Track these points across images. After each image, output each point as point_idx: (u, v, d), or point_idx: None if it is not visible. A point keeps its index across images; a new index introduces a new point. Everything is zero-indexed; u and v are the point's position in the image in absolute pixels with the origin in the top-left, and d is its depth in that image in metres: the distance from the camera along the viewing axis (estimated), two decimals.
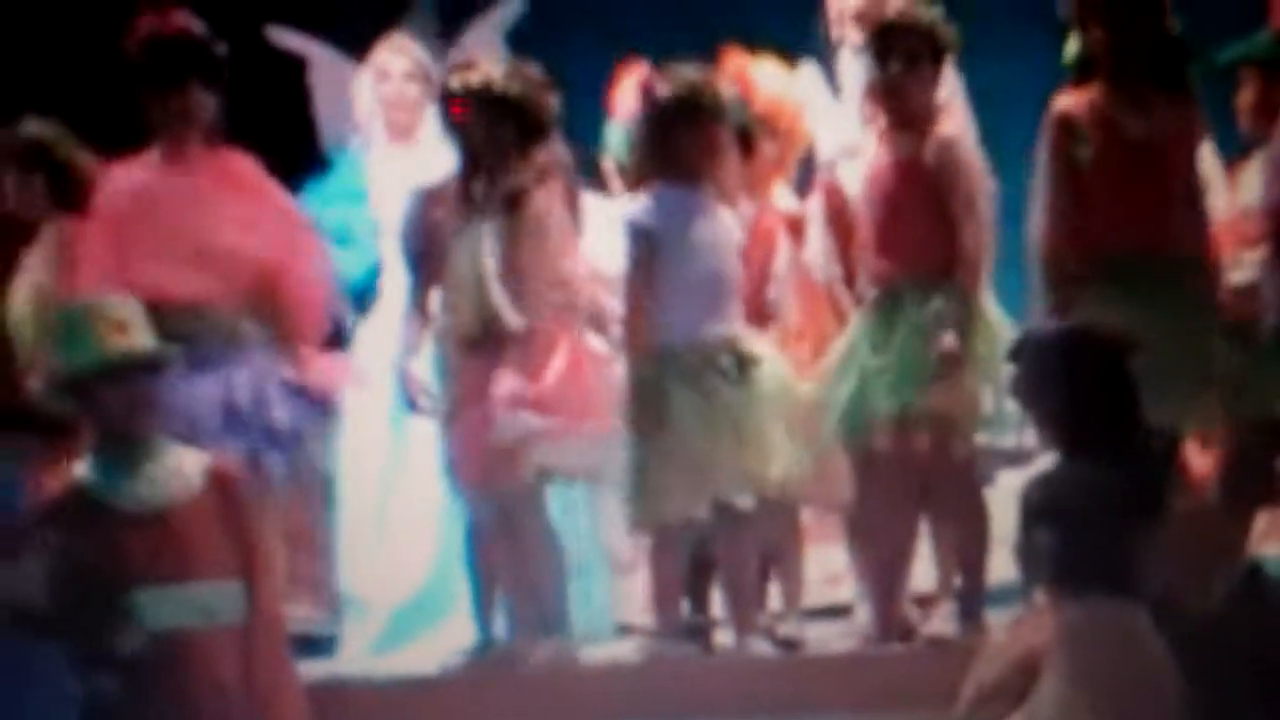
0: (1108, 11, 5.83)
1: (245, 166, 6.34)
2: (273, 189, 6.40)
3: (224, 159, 6.31)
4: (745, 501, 5.97)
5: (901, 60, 6.00)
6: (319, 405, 6.28)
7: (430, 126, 6.81)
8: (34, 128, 6.44)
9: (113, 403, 5.23)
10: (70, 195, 6.32)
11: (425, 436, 6.52)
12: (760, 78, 6.50)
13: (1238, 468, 5.90)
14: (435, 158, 6.56)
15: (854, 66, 6.49)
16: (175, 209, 6.19)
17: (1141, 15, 5.82)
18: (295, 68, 7.46)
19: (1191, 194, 5.92)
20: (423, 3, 7.50)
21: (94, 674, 5.16)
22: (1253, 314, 5.91)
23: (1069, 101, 5.91)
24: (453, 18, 7.49)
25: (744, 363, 6.00)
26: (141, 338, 5.30)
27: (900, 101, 6.07)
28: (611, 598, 6.74)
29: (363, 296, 7.02)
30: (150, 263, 6.05)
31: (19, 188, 6.40)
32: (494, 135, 6.12)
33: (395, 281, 6.84)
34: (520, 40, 7.23)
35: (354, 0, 7.81)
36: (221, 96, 6.23)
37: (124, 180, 6.26)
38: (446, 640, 6.55)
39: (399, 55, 7.06)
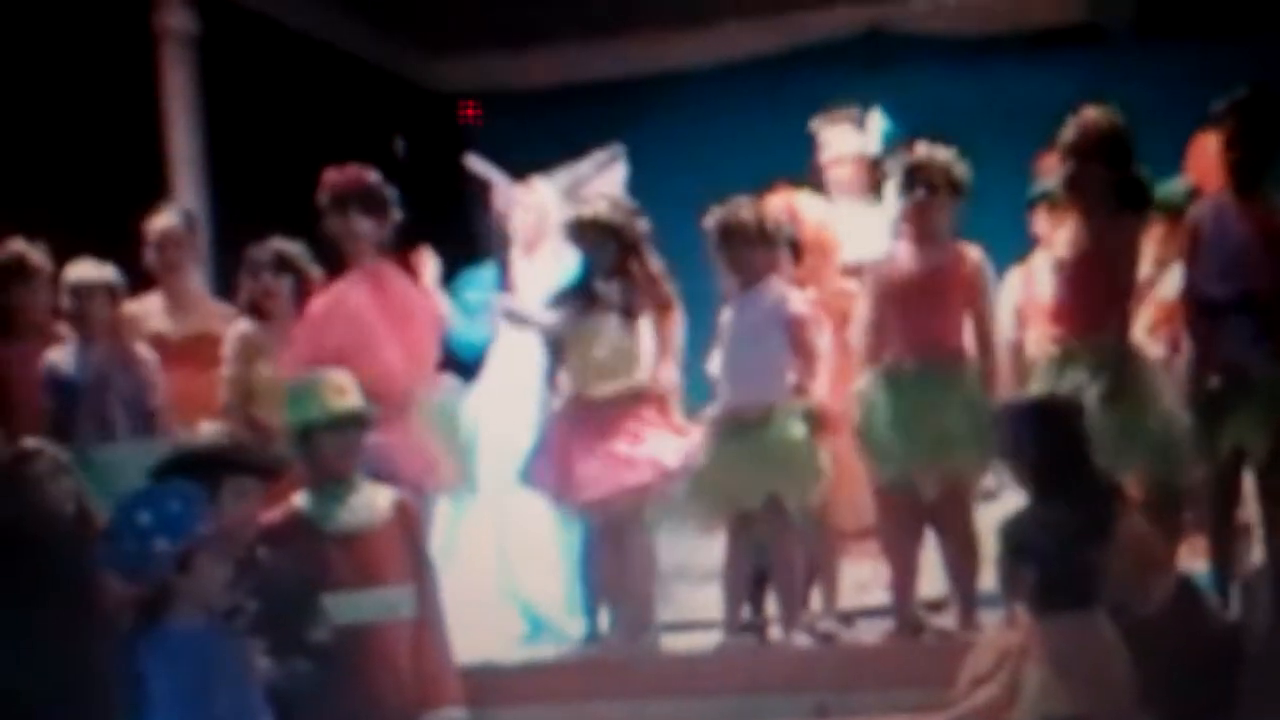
0: (1076, 153, 6.52)
1: (395, 280, 7.11)
2: (416, 291, 7.18)
3: (387, 270, 7.09)
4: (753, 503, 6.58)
5: (924, 190, 6.68)
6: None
7: (550, 246, 7.61)
8: (281, 242, 7.20)
9: (331, 448, 6.01)
10: (306, 295, 7.05)
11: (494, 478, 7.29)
12: (804, 207, 7.26)
13: (1157, 506, 6.40)
14: (550, 269, 7.40)
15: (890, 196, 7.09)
16: (341, 315, 6.93)
17: (1100, 162, 6.48)
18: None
19: (1121, 295, 6.50)
20: (598, 157, 8.13)
21: (291, 659, 5.76)
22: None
23: (1061, 235, 6.62)
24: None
25: (774, 419, 6.66)
26: (355, 399, 6.07)
27: (924, 221, 6.71)
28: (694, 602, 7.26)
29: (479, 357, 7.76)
30: (324, 352, 6.67)
31: (270, 288, 7.14)
32: (602, 251, 6.97)
33: (499, 351, 7.73)
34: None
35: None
36: (385, 228, 7.04)
37: (326, 294, 7.04)
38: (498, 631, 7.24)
39: (528, 193, 7.89)
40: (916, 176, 6.70)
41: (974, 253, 6.74)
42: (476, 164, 8.08)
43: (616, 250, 6.94)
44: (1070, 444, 5.71)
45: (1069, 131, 6.54)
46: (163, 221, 7.40)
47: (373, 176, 7.10)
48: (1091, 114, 6.57)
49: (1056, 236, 6.72)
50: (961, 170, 6.73)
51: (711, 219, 6.91)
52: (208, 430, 6.61)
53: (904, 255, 6.78)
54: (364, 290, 7.00)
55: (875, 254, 7.12)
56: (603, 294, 6.95)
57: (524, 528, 7.41)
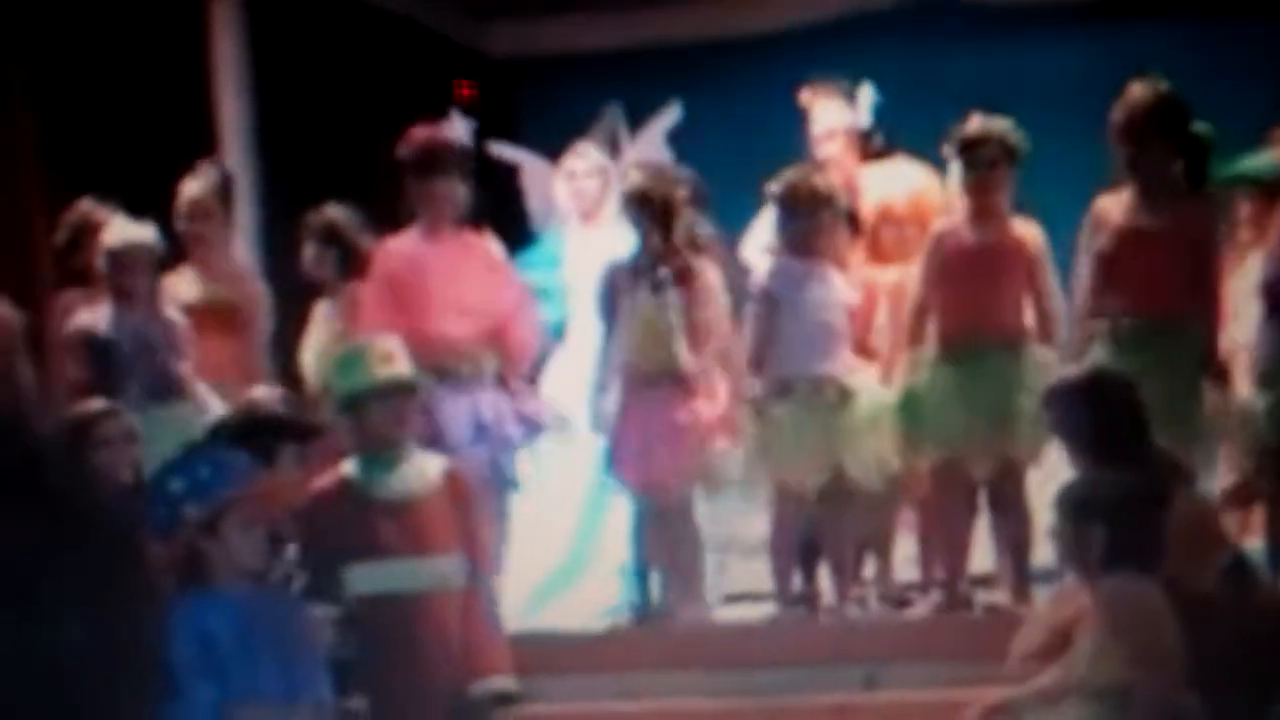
0: (1129, 136, 6.41)
1: (485, 244, 7.05)
2: (503, 261, 7.11)
3: (469, 237, 7.00)
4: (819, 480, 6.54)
5: (983, 164, 6.59)
6: (533, 426, 6.97)
7: (611, 209, 7.47)
8: (332, 211, 7.19)
9: (378, 417, 6.03)
10: (354, 265, 7.05)
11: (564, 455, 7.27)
12: (896, 176, 7.15)
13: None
14: (616, 235, 7.23)
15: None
16: (435, 275, 6.84)
17: (1158, 138, 6.38)
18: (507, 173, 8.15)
19: (1194, 275, 6.37)
20: (607, 116, 8.13)
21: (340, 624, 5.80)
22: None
23: (1104, 202, 6.50)
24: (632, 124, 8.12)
25: (843, 394, 6.63)
26: (402, 367, 6.08)
27: (983, 195, 6.62)
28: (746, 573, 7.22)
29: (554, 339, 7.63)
30: (415, 315, 6.69)
31: (317, 258, 7.17)
32: (637, 222, 6.86)
33: (579, 330, 7.57)
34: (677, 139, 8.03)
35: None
36: (471, 189, 6.93)
37: (395, 253, 6.92)
38: (578, 603, 7.23)
39: (581, 160, 7.79)
40: (974, 150, 6.63)
41: (1033, 229, 6.69)
42: (501, 149, 8.02)
43: (649, 220, 6.85)
44: (1123, 419, 5.74)
45: (1117, 114, 6.45)
46: (190, 190, 7.34)
47: (460, 138, 7.02)
48: (1136, 91, 6.46)
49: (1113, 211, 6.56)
50: (1019, 140, 6.65)
51: (777, 185, 6.85)
52: (266, 394, 6.56)
53: (962, 231, 6.71)
54: (466, 254, 6.93)
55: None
56: (641, 268, 6.87)
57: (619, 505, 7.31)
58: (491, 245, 7.10)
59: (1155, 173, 6.44)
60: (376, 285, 6.93)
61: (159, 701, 5.19)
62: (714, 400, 6.82)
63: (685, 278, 6.81)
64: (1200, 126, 6.54)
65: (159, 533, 5.41)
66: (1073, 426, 5.80)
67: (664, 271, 6.77)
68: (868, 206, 7.19)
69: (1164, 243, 6.40)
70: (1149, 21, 9.63)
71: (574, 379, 7.34)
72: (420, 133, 6.94)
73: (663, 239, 6.81)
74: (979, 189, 6.63)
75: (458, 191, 6.93)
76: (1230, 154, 6.90)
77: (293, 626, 5.47)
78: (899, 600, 6.92)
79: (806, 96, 7.61)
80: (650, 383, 6.81)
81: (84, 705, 4.75)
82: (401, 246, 6.98)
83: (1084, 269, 6.52)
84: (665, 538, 6.82)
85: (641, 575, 6.91)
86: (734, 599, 7.28)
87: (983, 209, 6.64)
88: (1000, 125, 6.64)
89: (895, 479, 6.72)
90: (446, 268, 6.91)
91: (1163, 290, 6.39)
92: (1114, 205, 6.49)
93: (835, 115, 7.52)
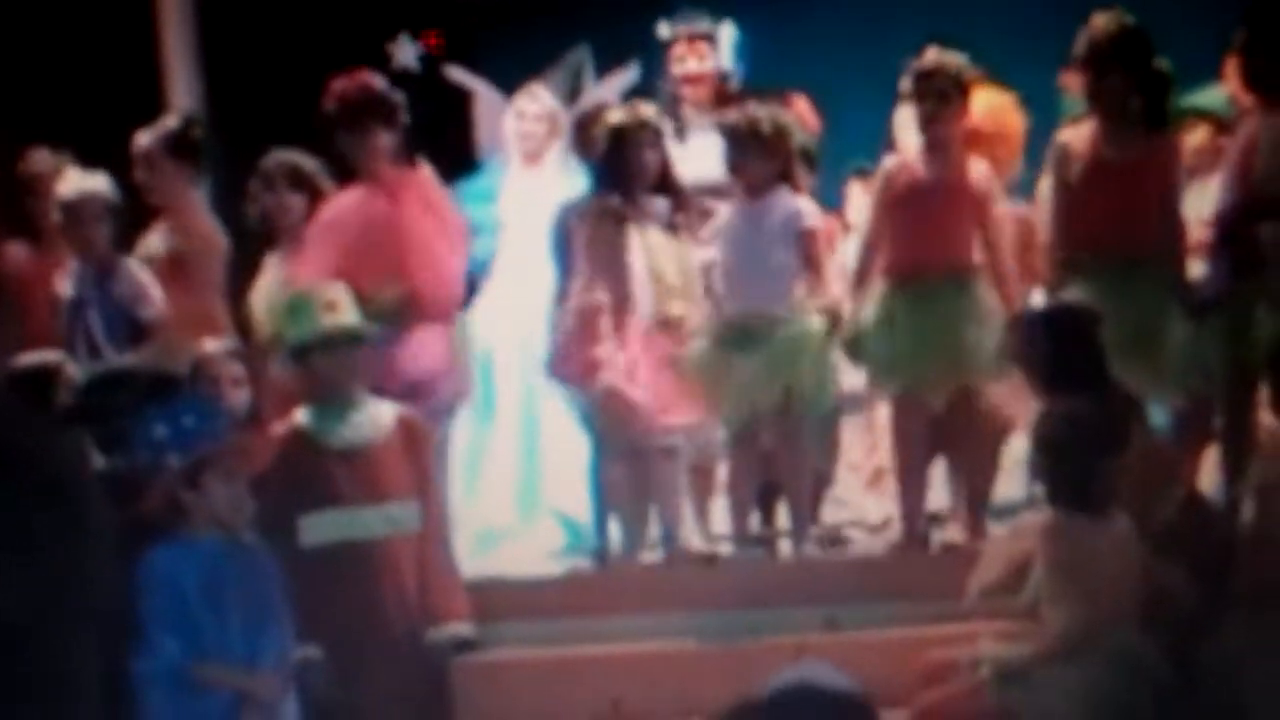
0: (1090, 65, 6.39)
1: (424, 184, 6.88)
2: (441, 201, 6.93)
3: (407, 179, 6.85)
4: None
5: (936, 98, 6.54)
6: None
7: (555, 154, 7.44)
8: (298, 156, 7.04)
9: (326, 366, 6.04)
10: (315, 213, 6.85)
11: (514, 397, 7.22)
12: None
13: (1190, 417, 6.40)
14: (556, 178, 7.24)
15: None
16: (355, 223, 6.74)
17: (1118, 69, 6.33)
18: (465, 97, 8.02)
19: (1157, 208, 6.33)
20: (572, 57, 8.02)
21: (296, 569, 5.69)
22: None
23: (1068, 135, 6.47)
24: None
25: (780, 325, 6.51)
26: (347, 315, 6.07)
27: (936, 127, 6.55)
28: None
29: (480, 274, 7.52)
30: (356, 260, 6.58)
31: (283, 203, 6.99)
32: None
33: (508, 267, 7.50)
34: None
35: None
36: (399, 134, 6.79)
37: (336, 204, 6.86)
38: (527, 548, 7.17)
39: (533, 102, 7.68)
40: (928, 82, 6.58)
41: (984, 166, 6.65)
42: (458, 74, 7.93)
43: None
44: (1084, 352, 5.78)
45: (1080, 44, 6.43)
46: (141, 141, 7.23)
47: (382, 83, 6.92)
48: (1099, 21, 6.43)
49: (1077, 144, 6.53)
50: (972, 74, 6.62)
51: (721, 124, 6.81)
52: (213, 346, 6.58)
53: (914, 165, 6.68)
54: (398, 198, 6.83)
55: (717, 176, 7.01)
56: (643, 205, 6.81)
57: (556, 443, 7.32)
58: (428, 186, 6.97)
59: (1114, 104, 6.42)
60: (314, 235, 6.86)
61: (121, 653, 5.18)
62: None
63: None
64: (1161, 62, 6.50)
65: (139, 477, 5.44)
66: (1034, 358, 5.82)
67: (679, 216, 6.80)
68: None
69: (1130, 177, 6.38)
70: None
71: (502, 315, 7.33)
72: (339, 85, 6.85)
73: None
74: (931, 121, 6.59)
75: (383, 139, 6.83)
76: (1186, 88, 6.85)
77: (261, 582, 5.50)
78: (833, 539, 6.97)
79: (668, 31, 7.50)
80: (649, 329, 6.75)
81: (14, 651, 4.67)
82: (338, 202, 6.91)
83: (1051, 201, 6.50)
84: (648, 481, 6.76)
85: (601, 516, 6.89)
86: None
87: (935, 142, 6.61)
88: (954, 59, 6.59)
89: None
90: (368, 217, 6.81)
91: (1128, 224, 6.35)
92: (1078, 138, 6.48)
93: (691, 58, 7.45)
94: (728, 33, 7.50)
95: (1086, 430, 5.48)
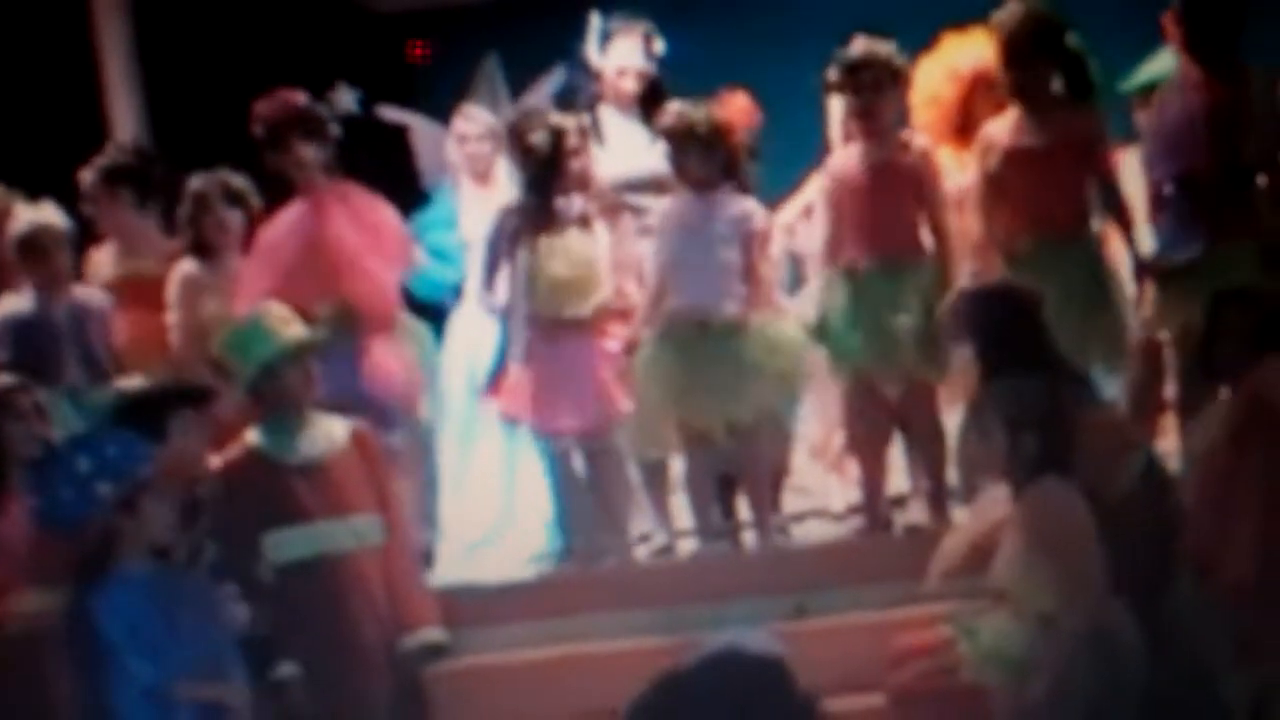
0: (1010, 62, 6.36)
1: (354, 196, 6.81)
2: (374, 212, 6.84)
3: (338, 193, 6.78)
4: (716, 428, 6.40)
5: (868, 88, 6.51)
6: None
7: (502, 169, 7.36)
8: (233, 176, 6.91)
9: (291, 378, 6.01)
10: (255, 229, 6.83)
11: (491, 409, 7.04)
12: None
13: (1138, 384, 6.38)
14: (509, 195, 7.10)
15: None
16: (302, 241, 6.68)
17: (1037, 58, 6.31)
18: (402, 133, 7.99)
19: (1089, 185, 6.32)
20: (484, 67, 7.86)
21: (256, 591, 5.80)
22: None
23: (990, 127, 6.43)
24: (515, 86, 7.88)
25: (730, 328, 6.47)
26: (303, 328, 6.09)
27: (870, 119, 6.52)
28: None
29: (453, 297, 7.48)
30: (291, 279, 6.54)
31: (222, 222, 6.87)
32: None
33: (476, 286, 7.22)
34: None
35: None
36: (328, 149, 6.74)
37: (270, 227, 6.79)
38: (505, 553, 7.05)
39: (471, 124, 7.59)
40: (859, 74, 6.55)
41: (920, 142, 6.65)
42: (390, 112, 7.92)
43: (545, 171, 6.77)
44: (1020, 329, 5.75)
45: (994, 42, 6.42)
46: (87, 175, 7.16)
47: (304, 99, 6.86)
48: (1003, 17, 6.41)
49: (998, 125, 6.49)
50: (903, 62, 6.60)
51: (663, 122, 6.77)
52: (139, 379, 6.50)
53: (854, 155, 6.66)
54: (328, 212, 6.80)
55: (643, 171, 7.04)
56: (560, 209, 6.77)
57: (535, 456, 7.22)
58: (358, 198, 6.91)
59: (1039, 92, 6.40)
60: (254, 258, 6.82)
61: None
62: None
63: (586, 222, 6.78)
64: (1072, 39, 6.46)
65: (66, 515, 5.43)
66: (970, 336, 5.84)
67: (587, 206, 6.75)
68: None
69: (1051, 159, 6.36)
70: None
71: (479, 333, 7.25)
72: (262, 105, 6.83)
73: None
74: (865, 113, 6.57)
75: (310, 153, 6.80)
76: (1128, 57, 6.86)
77: (208, 603, 5.54)
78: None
79: (609, 27, 7.43)
80: (581, 324, 6.73)
81: None
82: (276, 220, 6.87)
83: (980, 194, 6.48)
84: (599, 481, 6.79)
85: (563, 521, 6.87)
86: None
87: (870, 132, 6.59)
88: (885, 48, 6.57)
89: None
90: (316, 233, 6.77)
91: (1055, 206, 6.36)
92: (1000, 129, 6.46)
93: (635, 55, 7.39)
94: (659, 42, 7.47)
95: (1038, 402, 5.48)
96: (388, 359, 6.76)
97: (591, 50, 7.39)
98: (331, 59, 7.60)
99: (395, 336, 6.86)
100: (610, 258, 6.78)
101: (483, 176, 7.64)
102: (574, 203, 6.77)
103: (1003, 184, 6.41)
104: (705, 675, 3.01)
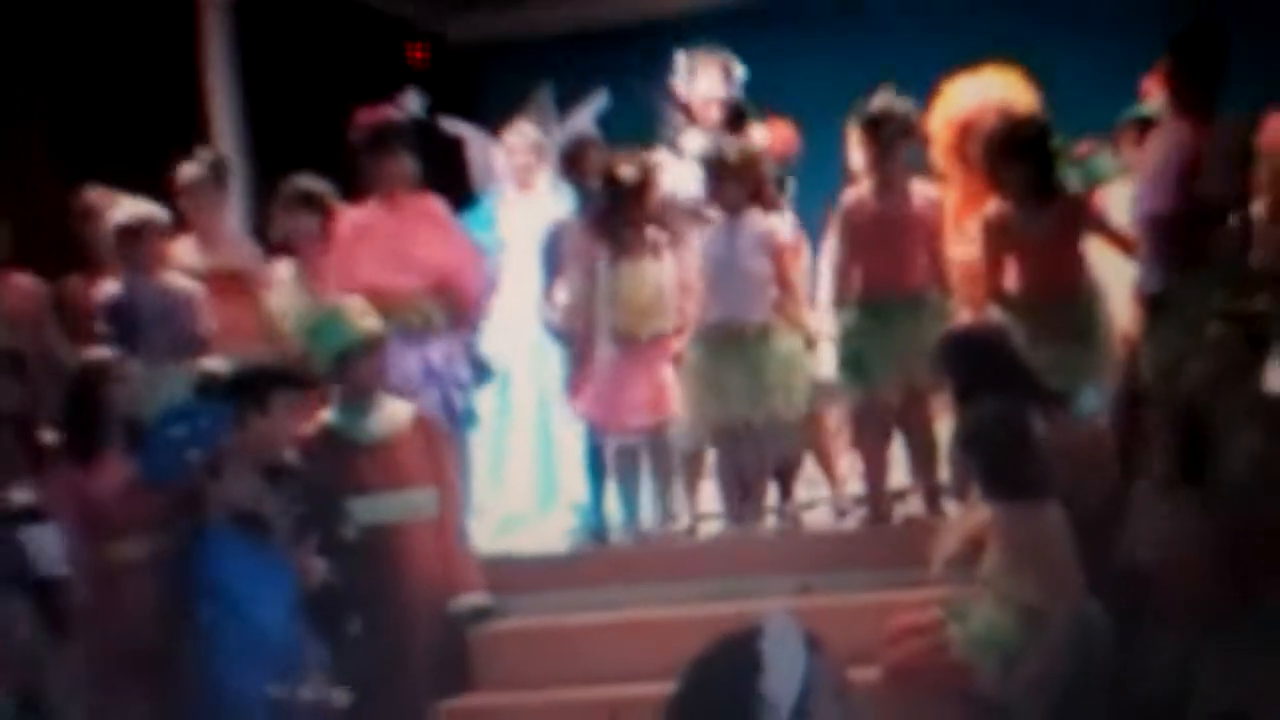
0: (994, 164, 6.24)
1: (433, 206, 6.79)
2: (450, 221, 6.86)
3: (418, 201, 6.75)
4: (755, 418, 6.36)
5: (886, 140, 6.36)
6: (481, 369, 6.75)
7: (544, 178, 7.31)
8: (311, 180, 6.84)
9: (364, 367, 5.94)
10: (330, 228, 6.74)
11: (528, 401, 7.11)
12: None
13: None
14: (548, 201, 7.10)
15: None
16: (387, 237, 6.62)
17: (1018, 159, 6.16)
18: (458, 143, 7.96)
19: (1074, 261, 6.21)
20: (540, 95, 7.97)
21: (325, 556, 5.63)
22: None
23: (992, 210, 6.28)
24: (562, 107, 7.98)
25: (758, 335, 6.43)
26: (376, 321, 6.00)
27: (886, 167, 6.38)
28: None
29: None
30: (371, 274, 6.47)
31: (299, 222, 6.79)
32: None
33: (511, 283, 7.28)
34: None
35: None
36: (416, 158, 6.71)
37: (352, 221, 6.71)
38: (544, 531, 7.05)
39: (520, 136, 7.59)
40: (878, 127, 6.41)
41: (930, 194, 6.50)
42: (449, 123, 7.79)
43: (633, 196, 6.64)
44: (990, 361, 5.63)
45: (978, 149, 6.31)
46: (187, 172, 7.06)
47: (402, 115, 6.80)
48: (1003, 127, 6.28)
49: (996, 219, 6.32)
50: (918, 118, 6.47)
51: (698, 155, 6.65)
52: (257, 353, 6.37)
53: (868, 200, 6.50)
54: (408, 214, 6.68)
55: None
56: (639, 238, 6.64)
57: (565, 441, 7.18)
58: (438, 207, 6.85)
59: (1022, 183, 6.24)
60: (338, 251, 6.69)
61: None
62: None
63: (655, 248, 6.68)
64: (1054, 140, 6.35)
65: (160, 475, 5.32)
66: (947, 373, 5.74)
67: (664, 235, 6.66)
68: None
69: (1042, 241, 6.24)
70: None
71: (513, 326, 7.16)
72: (366, 116, 6.74)
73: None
74: (881, 162, 6.42)
75: (404, 164, 6.72)
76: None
77: (279, 565, 5.43)
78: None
79: (689, 61, 7.35)
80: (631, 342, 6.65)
81: None
82: (357, 215, 6.76)
83: (984, 262, 6.34)
84: (657, 470, 6.68)
85: (598, 502, 6.78)
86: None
87: (885, 180, 6.44)
88: (902, 104, 6.43)
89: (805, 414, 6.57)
90: (396, 230, 6.67)
91: (1049, 275, 6.25)
92: (1002, 214, 6.29)
93: (716, 84, 7.30)
94: (738, 68, 7.39)
95: (999, 429, 5.37)
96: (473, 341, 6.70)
97: (679, 82, 7.31)
98: (404, 78, 7.44)
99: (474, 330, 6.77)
100: (675, 280, 6.66)
101: (525, 183, 7.60)
102: (649, 232, 6.64)
103: (999, 260, 6.29)
104: (708, 663, 2.87)
